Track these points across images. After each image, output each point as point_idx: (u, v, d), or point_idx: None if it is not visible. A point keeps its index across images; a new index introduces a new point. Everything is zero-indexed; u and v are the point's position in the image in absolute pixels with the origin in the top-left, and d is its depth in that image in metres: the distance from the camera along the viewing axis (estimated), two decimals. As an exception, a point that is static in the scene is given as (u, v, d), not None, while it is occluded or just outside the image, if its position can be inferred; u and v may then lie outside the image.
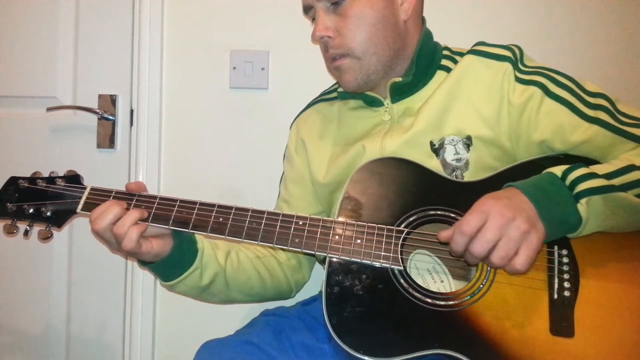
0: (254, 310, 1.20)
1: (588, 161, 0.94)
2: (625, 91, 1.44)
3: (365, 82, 1.04)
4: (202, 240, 1.05)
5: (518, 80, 0.98)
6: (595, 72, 1.44)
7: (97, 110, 1.50)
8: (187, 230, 0.97)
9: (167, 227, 0.97)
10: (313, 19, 1.05)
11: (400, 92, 1.06)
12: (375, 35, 1.01)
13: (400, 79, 1.05)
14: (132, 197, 0.99)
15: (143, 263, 1.01)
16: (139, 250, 0.94)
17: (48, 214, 1.00)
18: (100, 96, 1.52)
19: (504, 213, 0.81)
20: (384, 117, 1.08)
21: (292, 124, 1.25)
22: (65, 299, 1.56)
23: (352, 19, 1.00)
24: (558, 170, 0.87)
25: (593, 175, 0.85)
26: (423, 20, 1.10)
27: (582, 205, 0.83)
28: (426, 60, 1.06)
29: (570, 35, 1.46)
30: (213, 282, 1.06)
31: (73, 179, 1.03)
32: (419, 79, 1.06)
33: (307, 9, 1.05)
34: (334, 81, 1.23)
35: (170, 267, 1.01)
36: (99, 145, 1.53)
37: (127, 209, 0.95)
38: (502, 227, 0.80)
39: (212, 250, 1.06)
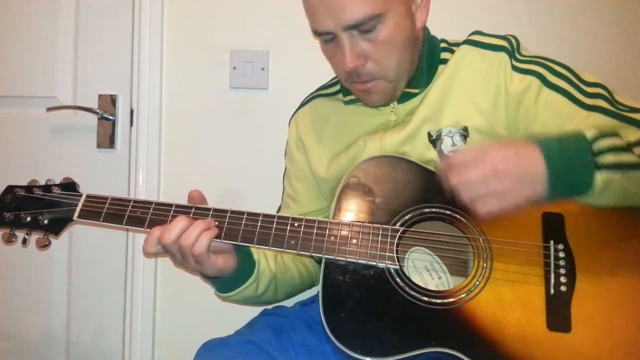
0: (253, 310, 1.20)
1: None
2: (626, 92, 1.43)
3: (390, 99, 1.04)
4: (258, 251, 1.03)
5: (515, 69, 0.98)
6: (596, 73, 1.43)
7: (97, 110, 1.51)
8: None
9: None
10: (326, 41, 0.99)
11: (408, 95, 1.06)
12: (404, 56, 0.99)
13: (417, 90, 1.04)
14: (127, 202, 0.98)
15: (204, 275, 1.00)
16: (206, 259, 0.92)
17: (45, 222, 1.00)
18: (100, 96, 1.52)
19: (498, 165, 0.79)
20: (390, 117, 1.07)
21: (290, 120, 1.23)
22: (66, 300, 1.56)
23: (384, 46, 0.96)
24: (590, 132, 0.83)
25: (625, 149, 0.82)
26: None
27: (601, 175, 0.80)
28: (430, 62, 1.06)
29: (571, 35, 1.46)
30: (267, 290, 1.06)
31: (69, 186, 1.04)
32: (426, 84, 1.05)
33: (323, 34, 0.98)
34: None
35: (231, 280, 1.00)
36: (99, 145, 1.53)
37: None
38: (487, 176, 0.79)
39: (265, 259, 1.06)
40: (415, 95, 1.05)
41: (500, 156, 0.80)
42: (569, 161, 0.81)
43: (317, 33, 0.99)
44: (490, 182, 0.80)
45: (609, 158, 0.81)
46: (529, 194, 0.81)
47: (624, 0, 1.47)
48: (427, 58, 1.05)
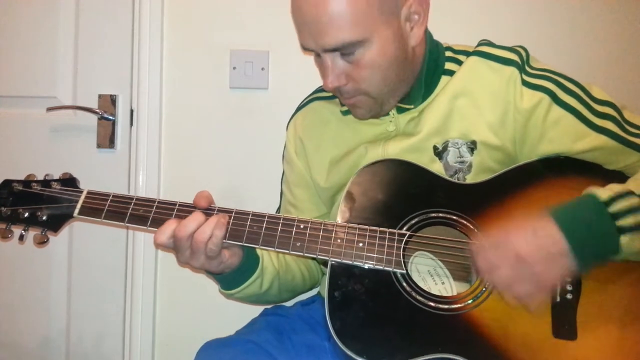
0: (253, 310, 1.20)
1: (590, 165, 0.94)
2: (625, 92, 1.44)
3: (378, 113, 1.03)
4: None
5: (525, 84, 0.96)
6: (596, 73, 1.44)
7: (97, 110, 1.50)
8: None
9: None
10: (314, 54, 1.00)
11: (405, 109, 1.04)
12: (388, 77, 0.96)
13: (412, 106, 1.02)
14: (130, 200, 0.97)
15: (208, 272, 1.00)
16: (217, 255, 0.93)
17: (44, 218, 0.98)
18: (100, 96, 1.51)
19: (521, 250, 0.81)
20: (388, 127, 1.05)
21: (288, 124, 1.22)
22: (66, 300, 1.55)
23: (366, 69, 0.94)
24: (604, 193, 0.83)
25: None
26: None
27: (625, 238, 0.81)
28: (432, 73, 1.03)
29: (570, 35, 1.46)
30: (270, 287, 1.06)
31: (69, 182, 1.01)
32: (425, 96, 1.03)
33: (308, 49, 0.98)
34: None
35: (235, 276, 1.00)
36: (99, 145, 1.52)
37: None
38: (513, 264, 0.81)
39: (268, 255, 1.06)
40: (414, 106, 1.03)
41: (521, 241, 0.81)
42: (589, 232, 0.82)
43: (303, 47, 0.99)
44: (518, 269, 0.81)
45: (629, 220, 0.81)
46: (560, 272, 0.82)
47: (624, 0, 1.47)
48: (427, 73, 1.02)
